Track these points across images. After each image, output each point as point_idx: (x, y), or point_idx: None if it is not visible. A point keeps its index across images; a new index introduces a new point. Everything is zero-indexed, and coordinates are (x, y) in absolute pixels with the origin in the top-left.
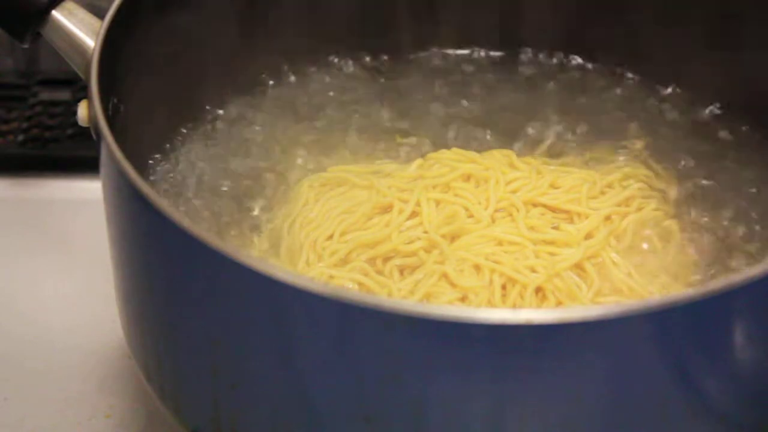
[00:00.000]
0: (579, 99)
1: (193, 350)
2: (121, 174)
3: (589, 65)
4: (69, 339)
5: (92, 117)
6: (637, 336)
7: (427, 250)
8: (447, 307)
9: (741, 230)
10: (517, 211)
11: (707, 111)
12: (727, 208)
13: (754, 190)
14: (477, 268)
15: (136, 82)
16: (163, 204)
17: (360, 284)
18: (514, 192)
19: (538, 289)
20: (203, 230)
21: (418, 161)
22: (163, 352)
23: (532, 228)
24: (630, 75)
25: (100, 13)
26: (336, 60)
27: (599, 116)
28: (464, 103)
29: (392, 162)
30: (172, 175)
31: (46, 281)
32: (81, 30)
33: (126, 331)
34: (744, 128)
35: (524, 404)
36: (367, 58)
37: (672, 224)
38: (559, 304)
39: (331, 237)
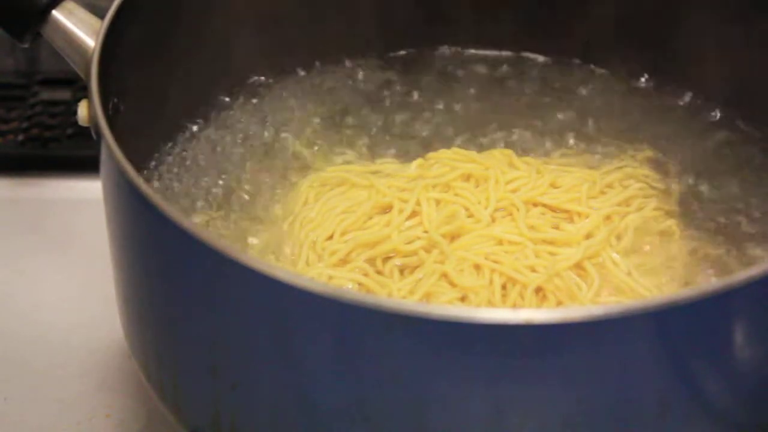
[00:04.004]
0: (581, 100)
1: (193, 350)
2: (121, 174)
3: (593, 67)
4: (69, 339)
5: (92, 117)
6: (637, 336)
7: (427, 250)
8: (447, 307)
9: (741, 230)
10: (517, 210)
11: (708, 112)
12: (727, 208)
13: (754, 190)
14: (477, 267)
15: (136, 81)
16: (163, 204)
17: (360, 284)
18: (514, 191)
19: (538, 289)
20: (203, 230)
21: (418, 161)
22: (163, 352)
23: (532, 227)
24: (631, 76)
25: (100, 13)
26: (338, 60)
27: (600, 117)
28: (465, 102)
29: (392, 161)
30: (172, 174)
31: (46, 281)
32: (81, 30)
33: (126, 331)
34: (746, 129)
35: (524, 404)
36: (372, 57)
37: (672, 224)
38: (559, 303)
39: (331, 237)
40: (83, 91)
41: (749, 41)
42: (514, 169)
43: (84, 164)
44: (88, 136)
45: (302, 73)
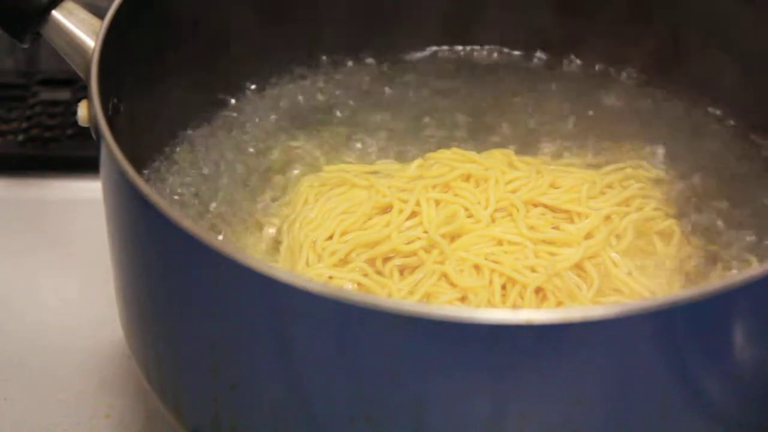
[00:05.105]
0: (580, 99)
1: (193, 350)
2: (121, 174)
3: (591, 66)
4: (69, 339)
5: (92, 117)
6: (637, 336)
7: (427, 250)
8: (447, 307)
9: (741, 230)
10: (517, 210)
11: (708, 111)
12: (727, 208)
13: (754, 191)
14: (477, 268)
15: (136, 82)
16: (163, 204)
17: (359, 284)
18: (513, 192)
19: (538, 289)
20: (203, 230)
21: (418, 161)
22: (163, 352)
23: (532, 228)
24: (631, 76)
25: (100, 13)
26: (338, 60)
27: (600, 116)
28: (464, 102)
29: (392, 162)
30: (172, 175)
31: (46, 281)
32: (81, 30)
33: (126, 331)
34: (745, 129)
35: (524, 404)
36: (371, 58)
37: (672, 224)
38: (559, 304)
39: (331, 237)
40: (83, 91)
41: (750, 41)
42: (513, 170)
43: (84, 164)
44: (88, 136)
45: (301, 73)
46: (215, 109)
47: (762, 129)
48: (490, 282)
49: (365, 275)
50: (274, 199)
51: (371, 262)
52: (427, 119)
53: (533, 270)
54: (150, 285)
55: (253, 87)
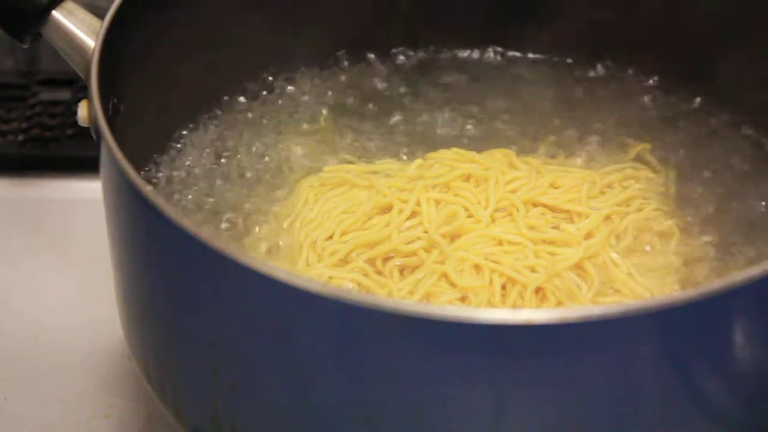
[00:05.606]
0: (580, 99)
1: (193, 350)
2: (121, 174)
3: (592, 66)
4: (69, 339)
5: (92, 117)
6: (637, 336)
7: (427, 250)
8: (447, 307)
9: (741, 230)
10: (517, 210)
11: (710, 113)
12: (727, 209)
13: (754, 191)
14: (477, 268)
15: (136, 82)
16: (163, 204)
17: (359, 284)
18: (513, 192)
19: (538, 289)
20: (203, 230)
21: (418, 161)
22: (163, 352)
23: (532, 228)
24: (633, 76)
25: (100, 13)
26: (339, 61)
27: (601, 117)
28: (464, 103)
29: (392, 161)
30: (172, 175)
31: (46, 281)
32: (81, 30)
33: (126, 331)
34: (747, 131)
35: (524, 404)
36: (373, 57)
37: (672, 224)
38: (559, 304)
39: (331, 237)
40: (83, 91)
41: (751, 42)
42: (514, 169)
43: (84, 164)
44: (88, 136)
45: (303, 74)
46: (215, 109)
47: (765, 127)
48: (490, 282)
49: (365, 275)
50: (274, 199)
51: (371, 262)
52: (428, 119)
53: (533, 270)
54: (150, 285)
55: (255, 87)
